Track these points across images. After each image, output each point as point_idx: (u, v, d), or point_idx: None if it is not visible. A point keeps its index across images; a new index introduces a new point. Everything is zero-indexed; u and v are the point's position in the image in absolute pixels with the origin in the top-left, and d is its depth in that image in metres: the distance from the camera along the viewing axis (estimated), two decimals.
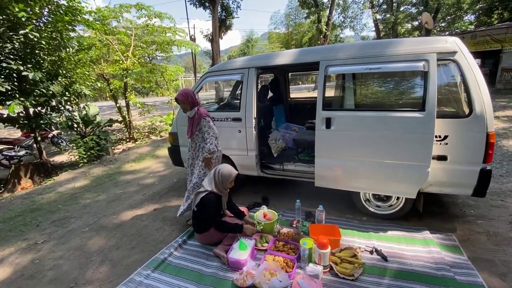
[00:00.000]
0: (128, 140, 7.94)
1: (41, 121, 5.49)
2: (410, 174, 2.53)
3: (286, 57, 3.20)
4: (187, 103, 2.84)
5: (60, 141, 8.09)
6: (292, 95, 5.19)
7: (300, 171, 3.30)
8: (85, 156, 5.74)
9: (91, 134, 6.47)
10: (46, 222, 3.34)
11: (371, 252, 2.37)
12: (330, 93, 2.90)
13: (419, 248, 2.40)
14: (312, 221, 2.81)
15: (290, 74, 5.55)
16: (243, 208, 2.91)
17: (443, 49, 2.39)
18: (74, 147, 5.95)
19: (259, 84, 3.69)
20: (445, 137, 2.48)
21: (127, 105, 7.95)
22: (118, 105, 7.60)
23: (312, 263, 2.22)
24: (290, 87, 5.23)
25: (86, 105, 6.47)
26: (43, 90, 5.16)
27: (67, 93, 5.61)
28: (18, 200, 4.19)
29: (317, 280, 2.06)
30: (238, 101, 3.37)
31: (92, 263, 2.50)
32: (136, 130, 8.47)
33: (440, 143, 2.49)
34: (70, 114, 6.42)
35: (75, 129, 6.61)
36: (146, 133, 8.56)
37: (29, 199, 4.16)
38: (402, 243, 2.48)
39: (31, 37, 4.20)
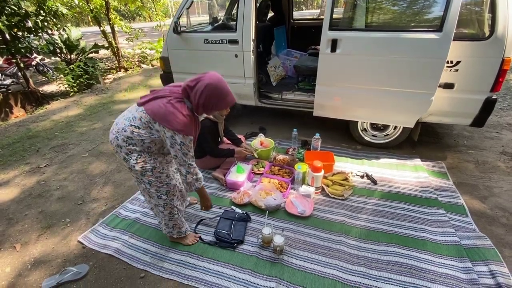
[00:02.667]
0: (118, 69, 7.49)
1: (20, 45, 5.08)
2: (413, 103, 2.45)
3: None
4: None
5: (45, 69, 7.62)
6: (295, 16, 4.65)
7: (299, 100, 3.19)
8: (75, 84, 5.48)
9: (77, 61, 6.04)
10: (45, 148, 3.37)
11: (362, 177, 2.49)
12: (338, 15, 2.57)
13: (409, 173, 2.51)
14: (308, 148, 2.87)
15: None
16: (240, 136, 2.91)
17: None
18: (62, 75, 5.62)
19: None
20: (457, 63, 2.31)
21: (112, 29, 7.21)
22: (102, 28, 6.87)
23: (306, 184, 2.34)
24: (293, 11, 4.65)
25: (66, 26, 5.85)
26: (13, 7, 4.58)
27: (41, 11, 5.03)
28: (13, 128, 4.16)
29: (309, 199, 2.20)
30: (235, 21, 3.00)
31: (96, 184, 2.61)
32: (125, 59, 7.91)
33: (450, 70, 2.34)
34: (50, 38, 5.89)
35: (59, 55, 6.15)
36: (137, 62, 8.03)
37: (24, 127, 4.12)
38: (393, 169, 2.58)
39: None
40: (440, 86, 2.37)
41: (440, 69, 2.24)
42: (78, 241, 1.98)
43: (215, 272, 1.69)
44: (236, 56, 3.04)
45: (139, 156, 1.51)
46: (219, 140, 2.67)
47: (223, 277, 1.65)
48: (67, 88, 5.61)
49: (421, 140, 3.00)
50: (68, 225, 2.15)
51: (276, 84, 3.55)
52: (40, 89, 6.07)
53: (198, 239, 1.92)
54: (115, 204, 2.32)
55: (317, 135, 2.72)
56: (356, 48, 2.44)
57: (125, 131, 1.47)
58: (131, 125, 1.47)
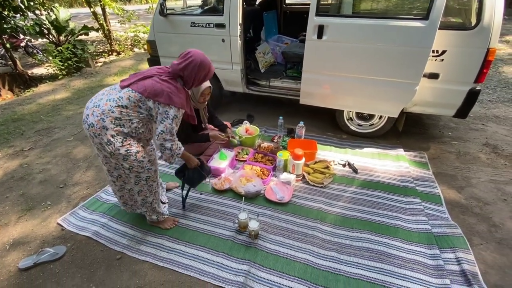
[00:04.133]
0: (110, 52, 7.33)
1: (5, 26, 4.94)
2: (397, 93, 2.45)
3: None
4: None
5: (35, 51, 7.44)
6: (288, 1, 4.54)
7: (287, 88, 3.16)
8: (63, 67, 5.37)
9: (66, 43, 5.89)
10: (30, 131, 3.34)
11: (344, 165, 2.51)
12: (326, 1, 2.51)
13: (390, 163, 2.53)
14: (293, 136, 2.87)
15: None
16: (226, 123, 2.90)
17: None
18: (50, 58, 5.50)
19: None
20: (442, 52, 2.29)
21: (103, 11, 7.00)
22: (92, 9, 6.67)
23: (287, 172, 2.36)
24: None
25: (53, 7, 5.66)
26: None
27: None
28: None
29: (289, 186, 2.22)
30: (223, 4, 2.92)
31: (79, 168, 2.61)
32: (118, 42, 7.73)
33: (436, 59, 2.32)
34: (37, 18, 5.72)
35: (46, 36, 5.99)
36: (129, 46, 7.85)
37: (10, 110, 4.06)
38: (375, 159, 2.60)
39: None
40: (424, 76, 2.36)
41: (425, 59, 2.22)
42: (58, 223, 1.99)
43: (190, 254, 1.72)
44: (223, 41, 2.98)
45: (124, 139, 1.50)
46: (203, 127, 2.66)
47: (198, 259, 1.69)
48: (56, 71, 5.51)
49: (407, 131, 3.01)
50: (49, 208, 2.16)
51: (264, 71, 3.51)
52: (30, 71, 5.95)
53: (176, 223, 1.95)
54: (96, 188, 2.33)
55: (301, 123, 2.72)
56: (342, 35, 2.40)
57: (112, 112, 1.45)
58: (118, 106, 1.46)
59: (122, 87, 1.51)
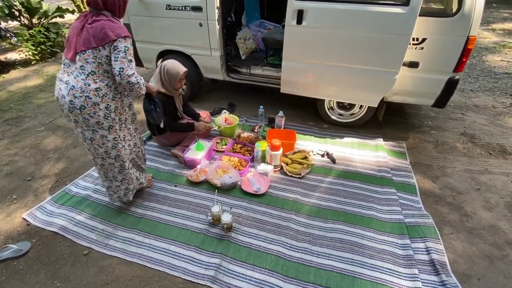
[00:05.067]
0: None
1: None
2: (376, 82, 2.40)
3: None
4: None
5: (8, 34, 6.98)
6: None
7: (268, 76, 3.07)
8: (36, 52, 5.06)
9: (39, 25, 5.53)
10: None
11: (323, 155, 2.49)
12: None
13: (369, 153, 2.52)
14: (272, 126, 2.81)
15: None
16: (203, 112, 2.81)
17: None
18: (22, 42, 5.16)
19: None
20: (423, 40, 2.24)
21: None
22: None
23: (265, 163, 2.32)
24: None
25: None
26: None
27: None
28: None
29: (266, 177, 2.19)
30: None
31: (48, 160, 2.50)
32: None
33: (416, 48, 2.27)
34: None
35: (18, 18, 5.60)
36: None
37: None
38: (354, 148, 2.59)
39: None
40: (404, 64, 2.32)
41: (405, 46, 2.17)
42: (23, 218, 1.91)
43: (161, 249, 1.68)
44: (200, 25, 2.83)
45: (115, 109, 1.58)
46: (178, 115, 2.56)
47: (168, 254, 1.65)
48: (29, 56, 5.19)
49: (388, 120, 3.00)
50: (14, 202, 2.06)
51: (245, 58, 3.39)
52: (4, 56, 5.60)
53: (151, 178, 2.12)
54: (66, 181, 2.24)
55: (281, 113, 2.66)
56: (322, 20, 2.31)
57: (89, 85, 1.47)
58: (87, 76, 1.47)
59: (73, 59, 1.48)
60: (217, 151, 2.57)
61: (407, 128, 2.96)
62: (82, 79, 1.46)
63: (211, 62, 3.06)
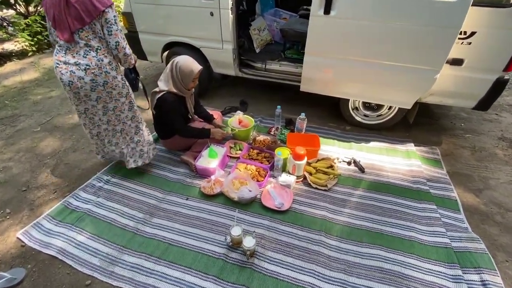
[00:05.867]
0: None
1: None
2: (413, 81, 2.12)
3: None
4: None
5: (4, 23, 6.64)
6: None
7: (286, 72, 2.79)
8: (33, 43, 4.76)
9: (35, 14, 5.20)
10: None
11: (349, 163, 2.23)
12: None
13: (400, 160, 2.27)
14: (292, 129, 2.55)
15: None
16: (215, 112, 2.54)
17: None
18: (18, 31, 4.85)
19: None
20: (471, 34, 1.94)
21: None
22: None
23: (286, 172, 2.07)
24: None
25: None
26: None
27: None
28: None
29: (289, 189, 1.95)
30: None
31: (45, 166, 2.26)
32: None
33: (462, 42, 1.98)
34: None
35: (13, 6, 5.27)
36: None
37: None
38: (383, 155, 2.33)
39: None
40: (447, 62, 2.03)
41: (452, 41, 1.88)
42: (17, 238, 1.69)
43: (174, 279, 1.46)
44: (211, 14, 2.53)
45: (117, 67, 1.65)
46: (189, 117, 2.30)
47: (182, 285, 1.43)
48: (25, 47, 4.89)
49: (416, 121, 2.72)
50: (8, 217, 1.84)
51: (260, 51, 3.09)
52: (1, 46, 5.29)
53: None
54: (65, 192, 2.01)
55: (303, 115, 2.39)
56: (356, 10, 2.01)
57: (102, 61, 1.53)
58: (96, 52, 1.51)
59: (69, 40, 1.46)
60: (231, 157, 2.32)
61: (438, 130, 2.69)
62: (93, 56, 1.51)
63: (222, 56, 2.77)
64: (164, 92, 1.95)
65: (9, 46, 5.54)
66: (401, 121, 2.56)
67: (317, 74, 2.42)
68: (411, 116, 2.48)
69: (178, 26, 2.74)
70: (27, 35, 4.72)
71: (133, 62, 1.69)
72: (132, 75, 1.96)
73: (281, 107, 2.59)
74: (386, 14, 1.93)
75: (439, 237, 1.66)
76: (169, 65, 1.95)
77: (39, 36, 4.83)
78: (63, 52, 1.50)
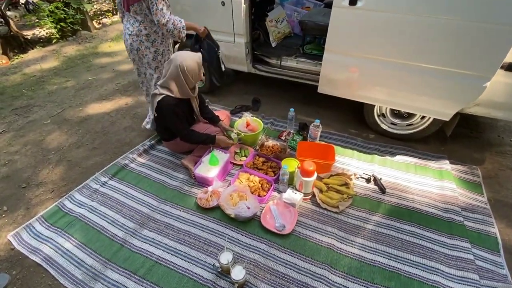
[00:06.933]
0: (115, 11, 6.62)
1: None
2: (456, 89, 1.75)
3: None
4: None
5: (36, 7, 6.88)
6: None
7: (302, 69, 2.49)
8: (56, 30, 4.83)
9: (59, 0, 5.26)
10: (7, 109, 2.97)
11: (368, 180, 1.94)
12: None
13: (430, 181, 1.93)
14: (305, 136, 2.28)
15: None
16: (223, 113, 2.35)
17: None
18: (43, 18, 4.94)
19: None
20: None
21: None
22: None
23: (292, 187, 1.84)
24: None
25: None
26: None
27: None
28: None
29: (293, 209, 1.72)
30: None
31: (48, 162, 2.23)
32: None
33: None
34: None
35: None
36: None
37: None
38: (411, 173, 2.00)
39: None
40: (502, 67, 1.63)
41: (510, 42, 1.48)
42: (8, 240, 1.66)
43: None
44: (223, 3, 2.29)
45: (154, 40, 1.95)
46: (195, 118, 2.13)
47: None
48: (51, 34, 4.98)
49: (455, 132, 2.31)
50: (4, 215, 1.82)
51: (276, 45, 2.80)
52: (31, 32, 5.46)
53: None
54: (62, 192, 1.95)
55: (317, 122, 2.10)
56: (388, 0, 1.66)
57: (141, 31, 1.88)
58: (140, 23, 1.87)
59: (127, 10, 1.86)
60: (234, 164, 2.13)
61: (481, 145, 2.28)
62: (136, 26, 1.87)
63: (234, 50, 2.53)
64: (164, 95, 1.79)
65: (38, 32, 5.71)
66: (436, 132, 2.18)
67: (338, 75, 2.11)
68: (449, 128, 2.10)
69: (186, 17, 2.52)
70: (51, 22, 4.79)
71: (182, 35, 1.88)
72: (196, 45, 2.17)
73: (298, 107, 2.34)
74: (429, 6, 1.57)
75: (470, 286, 1.36)
76: (171, 70, 1.76)
77: (62, 23, 4.89)
78: (126, 19, 1.93)
